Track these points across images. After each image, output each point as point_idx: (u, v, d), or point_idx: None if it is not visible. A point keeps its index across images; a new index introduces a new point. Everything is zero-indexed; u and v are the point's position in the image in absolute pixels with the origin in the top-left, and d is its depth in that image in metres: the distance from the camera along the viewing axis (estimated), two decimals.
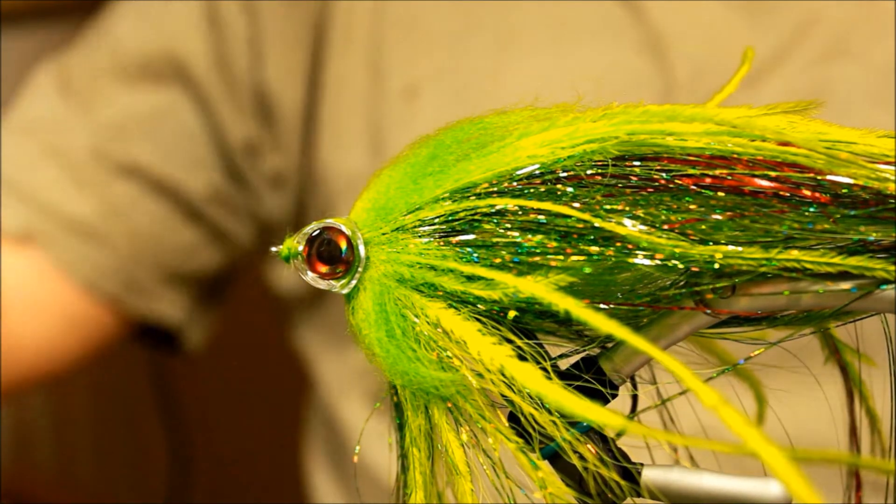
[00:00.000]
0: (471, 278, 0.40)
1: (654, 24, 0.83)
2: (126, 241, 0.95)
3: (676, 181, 0.39)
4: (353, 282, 0.42)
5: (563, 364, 0.41)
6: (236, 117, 0.95)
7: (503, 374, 0.38)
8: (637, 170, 0.39)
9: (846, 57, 0.80)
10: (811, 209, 0.38)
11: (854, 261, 0.37)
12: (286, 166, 0.95)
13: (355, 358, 0.93)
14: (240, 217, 0.98)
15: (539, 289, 0.38)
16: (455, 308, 0.40)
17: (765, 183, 0.38)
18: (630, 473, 0.39)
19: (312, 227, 0.42)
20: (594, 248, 0.39)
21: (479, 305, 0.40)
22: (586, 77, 0.83)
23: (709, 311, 0.39)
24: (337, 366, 0.95)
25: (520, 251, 0.39)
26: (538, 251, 0.39)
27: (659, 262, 0.38)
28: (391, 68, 0.88)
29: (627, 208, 0.39)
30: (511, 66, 0.86)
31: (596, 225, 0.38)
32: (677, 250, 0.38)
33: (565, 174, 0.40)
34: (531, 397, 0.38)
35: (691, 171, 0.39)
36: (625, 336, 0.36)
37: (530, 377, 0.37)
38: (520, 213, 0.40)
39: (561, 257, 0.39)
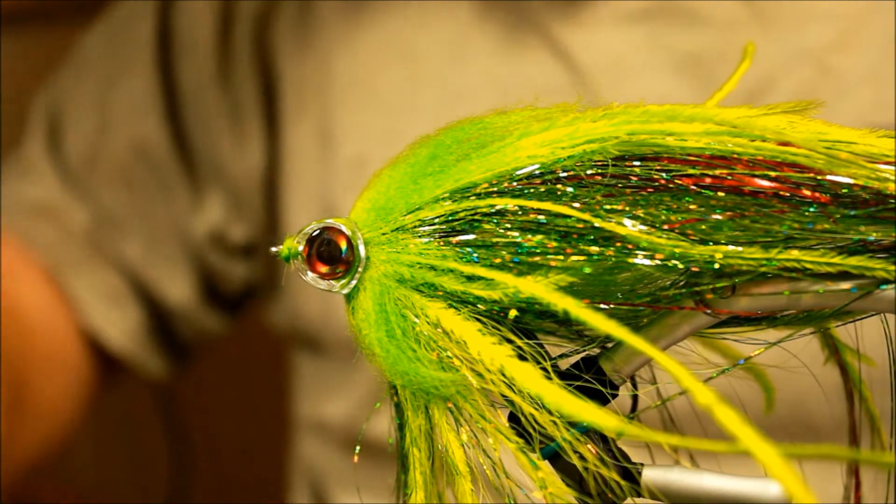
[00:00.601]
0: (471, 278, 0.40)
1: (602, 97, 0.81)
2: None
3: (676, 181, 0.39)
4: (353, 282, 0.42)
5: (564, 364, 0.41)
6: (194, 205, 0.95)
7: (503, 375, 0.38)
8: (637, 170, 0.39)
9: None
10: (811, 209, 0.38)
11: (854, 261, 0.37)
12: (255, 233, 0.95)
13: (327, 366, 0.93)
14: (219, 310, 0.99)
15: (539, 289, 0.38)
16: (455, 308, 0.40)
17: (765, 183, 0.38)
18: (630, 473, 0.39)
19: (312, 227, 0.42)
20: (594, 248, 0.39)
21: (479, 305, 0.40)
22: None
23: (709, 311, 0.39)
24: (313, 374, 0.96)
25: (520, 251, 0.39)
26: (538, 251, 0.39)
27: (659, 262, 0.38)
28: (341, 137, 0.87)
29: (627, 208, 0.39)
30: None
31: (596, 225, 0.38)
32: (677, 250, 0.38)
33: (565, 174, 0.40)
34: (531, 397, 0.38)
35: (691, 171, 0.39)
36: (623, 336, 0.36)
37: (529, 377, 0.37)
38: (520, 213, 0.39)
39: (561, 257, 0.39)
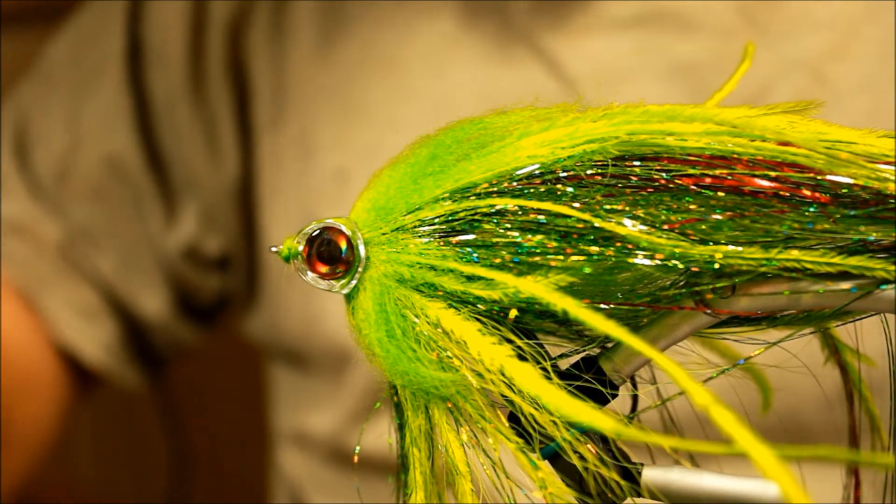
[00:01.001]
0: (471, 278, 0.40)
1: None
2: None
3: (676, 181, 0.39)
4: (353, 282, 0.42)
5: (564, 364, 0.41)
6: (168, 219, 0.93)
7: (503, 375, 0.38)
8: (637, 170, 0.39)
9: None
10: (811, 209, 0.38)
11: (854, 261, 0.37)
12: (229, 246, 0.94)
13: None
14: (194, 321, 0.98)
15: (539, 289, 0.38)
16: (455, 308, 0.40)
17: (765, 183, 0.38)
18: (630, 473, 0.39)
19: (312, 227, 0.42)
20: (594, 248, 0.39)
21: (479, 305, 0.40)
22: None
23: (709, 311, 0.39)
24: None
25: (520, 251, 0.39)
26: (538, 251, 0.39)
27: (659, 262, 0.38)
28: (322, 149, 0.86)
29: (627, 208, 0.39)
30: None
31: (596, 225, 0.38)
32: (677, 250, 0.38)
33: (565, 174, 0.40)
34: (531, 397, 0.38)
35: (691, 171, 0.39)
36: (623, 336, 0.36)
37: (528, 378, 0.37)
38: (520, 213, 0.40)
39: (561, 257, 0.39)
